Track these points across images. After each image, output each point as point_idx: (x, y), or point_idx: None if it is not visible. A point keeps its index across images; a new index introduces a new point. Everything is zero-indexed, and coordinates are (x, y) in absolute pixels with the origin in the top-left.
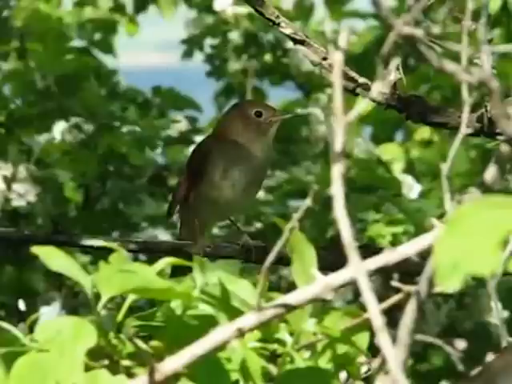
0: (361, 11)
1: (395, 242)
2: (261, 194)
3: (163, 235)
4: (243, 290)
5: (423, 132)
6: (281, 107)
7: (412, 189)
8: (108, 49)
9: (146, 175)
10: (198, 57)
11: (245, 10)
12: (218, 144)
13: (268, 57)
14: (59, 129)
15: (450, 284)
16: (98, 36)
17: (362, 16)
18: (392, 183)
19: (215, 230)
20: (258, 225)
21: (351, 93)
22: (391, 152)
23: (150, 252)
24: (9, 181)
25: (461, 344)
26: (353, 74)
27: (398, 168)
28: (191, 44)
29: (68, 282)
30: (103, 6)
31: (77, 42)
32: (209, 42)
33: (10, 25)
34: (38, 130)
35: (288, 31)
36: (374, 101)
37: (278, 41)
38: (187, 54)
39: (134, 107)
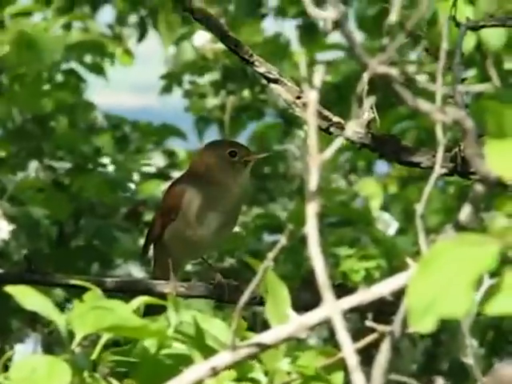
0: (335, 44)
1: (368, 276)
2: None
3: (138, 271)
4: (217, 328)
5: (401, 168)
6: (258, 132)
7: (389, 226)
8: (98, 70)
9: (119, 213)
10: (175, 97)
11: (223, 46)
12: (193, 183)
13: (246, 93)
14: (33, 167)
15: (423, 326)
16: (88, 58)
17: (337, 48)
18: (367, 217)
19: (188, 267)
20: (231, 260)
21: (325, 131)
22: (369, 188)
23: (124, 291)
24: None
25: (439, 382)
26: (326, 112)
27: (376, 204)
28: (170, 79)
29: (43, 320)
30: (93, 29)
31: (64, 66)
32: (187, 78)
33: None
34: (12, 168)
35: (262, 70)
36: (348, 139)
37: (255, 77)
38: (166, 90)
39: (112, 142)
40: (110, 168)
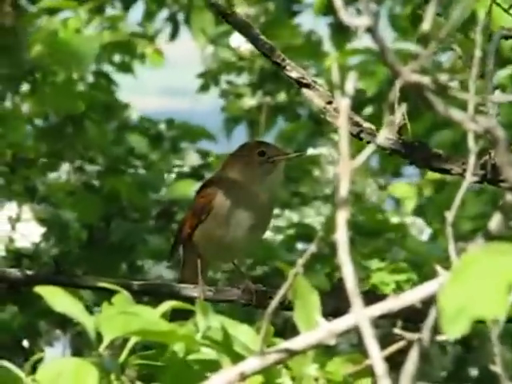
0: (367, 49)
1: (398, 289)
2: (268, 235)
3: (167, 273)
4: (244, 334)
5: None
6: (286, 132)
7: (422, 232)
8: (127, 69)
9: (150, 216)
10: (205, 100)
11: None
12: (224, 184)
13: (282, 94)
14: (65, 169)
15: (456, 329)
16: (117, 58)
17: (369, 54)
18: (399, 227)
19: (218, 274)
20: (263, 269)
21: (356, 137)
22: (403, 191)
23: (150, 294)
24: (13, 221)
25: None
26: (357, 118)
27: (409, 207)
28: (207, 79)
29: (72, 323)
30: (123, 29)
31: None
32: (224, 78)
33: (25, 56)
34: (42, 169)
35: (294, 75)
36: (378, 146)
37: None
38: (203, 89)
39: (146, 141)
40: (141, 170)
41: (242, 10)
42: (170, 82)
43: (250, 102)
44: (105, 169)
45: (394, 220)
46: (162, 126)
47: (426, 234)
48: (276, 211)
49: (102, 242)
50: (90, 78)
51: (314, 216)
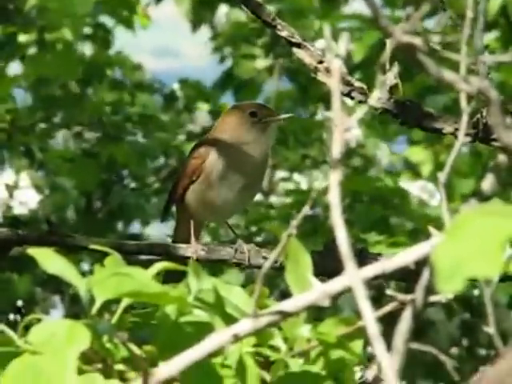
0: (357, 14)
1: None
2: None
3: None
4: (237, 296)
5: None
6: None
7: (433, 196)
8: (130, 25)
9: (150, 184)
10: (197, 61)
11: (273, 8)
12: (217, 144)
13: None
14: (63, 135)
15: (450, 286)
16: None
17: (359, 18)
18: (399, 192)
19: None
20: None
21: (347, 96)
22: (419, 155)
23: (144, 254)
24: (11, 188)
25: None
26: (348, 77)
27: (426, 171)
28: (221, 42)
29: (68, 289)
30: None
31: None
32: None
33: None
34: (40, 136)
35: (284, 34)
36: (370, 105)
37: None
38: (217, 50)
39: (159, 100)
40: (140, 138)
41: None
42: (158, 43)
43: (262, 63)
44: (103, 136)
45: (402, 184)
46: (175, 86)
47: (436, 199)
48: (284, 174)
49: (100, 209)
50: (88, 30)
51: (322, 179)
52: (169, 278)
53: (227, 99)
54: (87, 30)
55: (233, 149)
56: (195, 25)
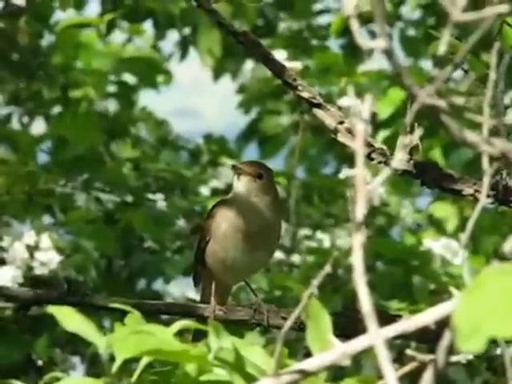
0: (382, 72)
1: None
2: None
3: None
4: (257, 356)
5: None
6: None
7: (457, 254)
8: (152, 83)
9: (170, 248)
10: (220, 123)
11: (299, 65)
12: (226, 205)
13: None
14: (82, 198)
15: (471, 346)
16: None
17: (384, 77)
18: (422, 254)
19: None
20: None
21: (367, 157)
22: (443, 211)
23: (163, 314)
24: (32, 249)
25: None
26: (369, 139)
27: (450, 226)
28: (247, 96)
29: (86, 349)
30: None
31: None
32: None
33: (51, 72)
34: (61, 198)
35: (305, 94)
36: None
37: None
38: (243, 105)
39: (183, 156)
40: (160, 203)
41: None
42: (181, 103)
43: (287, 119)
44: (121, 201)
45: (426, 242)
46: (200, 142)
47: (460, 257)
48: (307, 232)
49: (121, 270)
50: (112, 89)
51: (345, 237)
52: (198, 337)
53: (251, 153)
54: (111, 89)
55: (237, 209)
56: (217, 75)
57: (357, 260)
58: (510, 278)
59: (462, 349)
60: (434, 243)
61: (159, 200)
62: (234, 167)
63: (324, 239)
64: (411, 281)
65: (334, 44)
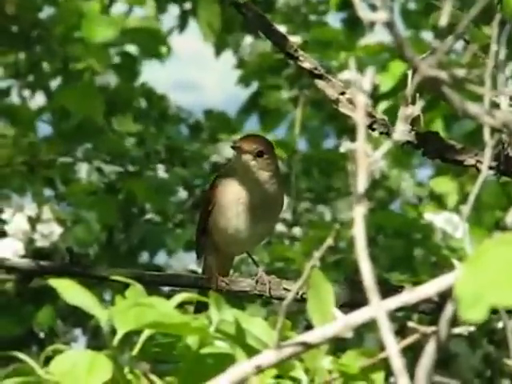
0: (383, 45)
1: None
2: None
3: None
4: (258, 328)
5: None
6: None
7: (458, 228)
8: (157, 54)
9: (172, 218)
10: (217, 95)
11: (299, 39)
12: (228, 175)
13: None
14: (85, 169)
15: (474, 315)
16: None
17: (384, 50)
18: (423, 228)
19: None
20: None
21: (368, 128)
22: (444, 186)
23: (165, 285)
24: (33, 221)
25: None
26: (370, 109)
27: (451, 201)
28: (247, 71)
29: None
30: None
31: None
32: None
33: (51, 45)
34: (62, 169)
35: (306, 65)
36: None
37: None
38: (243, 80)
39: (186, 129)
40: (161, 173)
41: None
42: (181, 76)
43: (287, 94)
44: (123, 171)
45: (427, 216)
46: (200, 117)
47: (460, 231)
48: (308, 205)
49: (122, 242)
50: (115, 60)
51: (346, 210)
52: (199, 310)
53: (251, 126)
54: (114, 60)
55: (242, 179)
56: (218, 50)
57: (358, 233)
58: (511, 247)
59: (464, 318)
60: (435, 217)
61: (160, 170)
62: (233, 147)
63: (325, 212)
64: (413, 254)
65: (333, 19)
